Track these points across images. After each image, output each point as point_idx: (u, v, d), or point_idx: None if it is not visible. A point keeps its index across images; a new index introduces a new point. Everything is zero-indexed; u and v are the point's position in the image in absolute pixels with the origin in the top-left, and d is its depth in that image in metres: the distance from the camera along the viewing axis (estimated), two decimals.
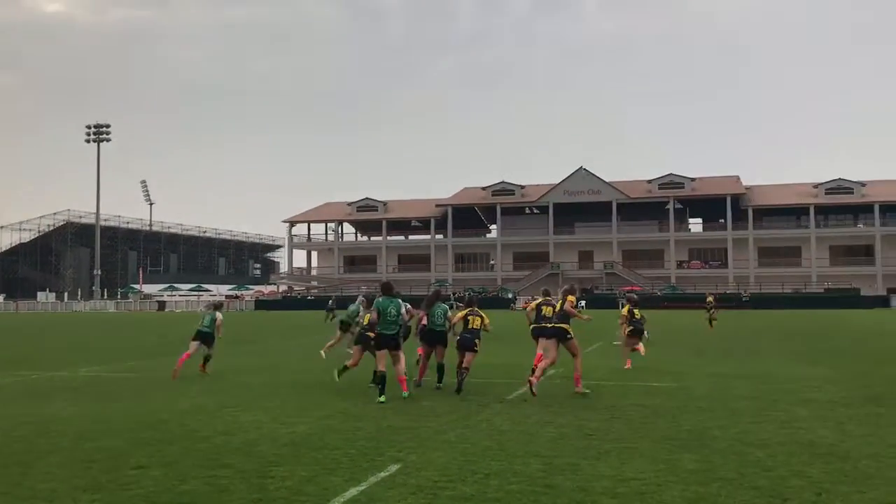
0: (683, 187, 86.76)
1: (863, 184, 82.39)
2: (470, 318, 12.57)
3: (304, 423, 9.44)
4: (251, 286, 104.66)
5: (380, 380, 11.06)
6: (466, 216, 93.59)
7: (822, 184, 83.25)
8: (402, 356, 11.41)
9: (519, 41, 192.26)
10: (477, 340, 12.40)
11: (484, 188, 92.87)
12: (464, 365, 12.15)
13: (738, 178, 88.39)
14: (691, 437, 8.40)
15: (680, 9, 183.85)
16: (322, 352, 17.20)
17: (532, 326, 13.24)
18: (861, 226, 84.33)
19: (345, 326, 17.74)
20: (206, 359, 15.01)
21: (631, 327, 16.26)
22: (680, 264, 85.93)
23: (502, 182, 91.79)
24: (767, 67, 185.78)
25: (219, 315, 15.17)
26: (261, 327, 37.17)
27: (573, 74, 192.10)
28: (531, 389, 11.25)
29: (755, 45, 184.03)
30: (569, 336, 11.74)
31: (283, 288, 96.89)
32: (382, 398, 10.87)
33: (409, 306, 11.89)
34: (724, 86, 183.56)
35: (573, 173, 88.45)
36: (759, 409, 10.19)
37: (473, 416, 9.79)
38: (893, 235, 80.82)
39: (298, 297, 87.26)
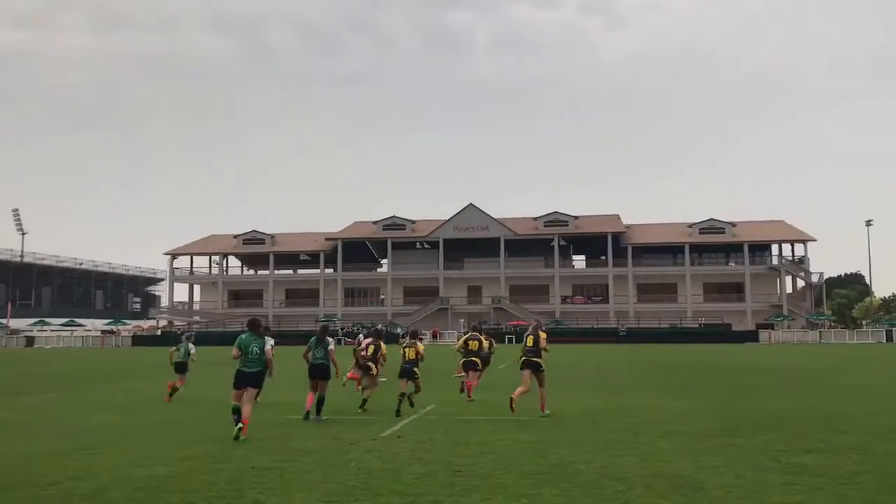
0: (567, 225, 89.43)
1: (733, 224, 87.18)
2: (406, 350, 14.27)
3: (163, 464, 9.02)
4: (129, 321, 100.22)
5: (236, 415, 10.85)
6: (357, 250, 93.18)
7: (696, 223, 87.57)
8: (256, 400, 11.51)
9: (409, 78, 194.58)
10: (416, 369, 14.13)
11: (375, 222, 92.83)
12: (403, 391, 13.80)
13: (618, 216, 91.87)
14: (556, 472, 8.51)
15: (566, 54, 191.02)
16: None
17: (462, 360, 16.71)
18: (732, 264, 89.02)
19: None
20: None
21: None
22: (564, 299, 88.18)
23: (393, 217, 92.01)
24: (647, 112, 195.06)
25: (191, 346, 16.57)
26: (135, 364, 35.61)
27: (463, 113, 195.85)
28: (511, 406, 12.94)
29: (636, 90, 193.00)
30: (541, 369, 13.33)
31: (163, 323, 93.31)
32: (242, 437, 10.70)
33: (272, 343, 11.72)
34: (606, 129, 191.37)
35: (463, 209, 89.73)
36: (624, 442, 10.47)
37: (343, 455, 9.62)
38: (761, 274, 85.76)
39: (179, 332, 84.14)
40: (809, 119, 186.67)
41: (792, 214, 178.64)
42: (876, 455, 9.38)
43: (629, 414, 13.72)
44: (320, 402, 12.83)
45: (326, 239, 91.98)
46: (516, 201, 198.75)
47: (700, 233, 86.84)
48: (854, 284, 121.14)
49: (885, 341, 68.48)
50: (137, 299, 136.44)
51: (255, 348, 11.04)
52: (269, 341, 11.50)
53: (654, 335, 71.19)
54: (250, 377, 11.04)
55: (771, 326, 76.06)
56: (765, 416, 13.45)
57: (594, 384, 20.86)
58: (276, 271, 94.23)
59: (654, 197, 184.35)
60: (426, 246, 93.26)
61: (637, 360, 34.01)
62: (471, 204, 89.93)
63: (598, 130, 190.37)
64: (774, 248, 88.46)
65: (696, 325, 78.87)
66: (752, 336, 70.28)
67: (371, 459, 9.33)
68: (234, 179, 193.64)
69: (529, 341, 13.42)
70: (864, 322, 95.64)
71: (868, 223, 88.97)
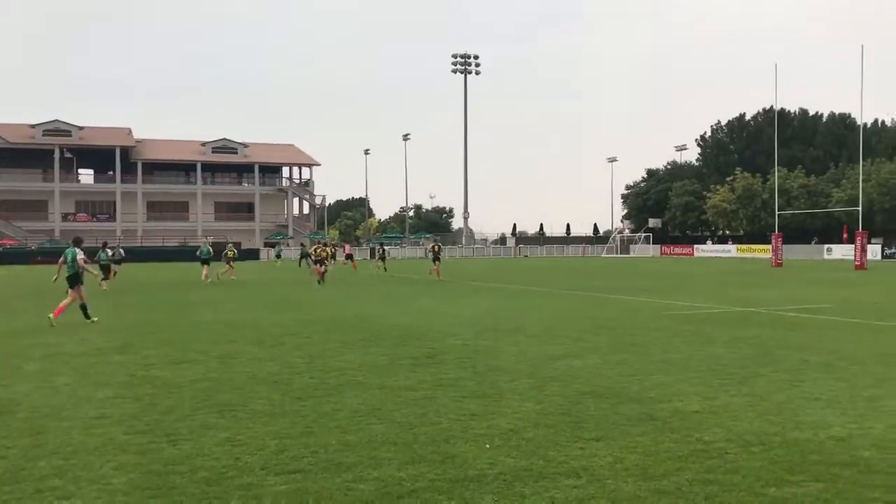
0: (71, 135, 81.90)
1: (245, 145, 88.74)
2: None
3: None
4: None
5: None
6: None
7: (209, 142, 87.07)
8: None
9: None
10: None
11: None
12: None
13: (129, 130, 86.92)
14: None
15: None
16: None
17: None
18: (245, 184, 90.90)
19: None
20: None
21: None
22: (66, 217, 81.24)
23: None
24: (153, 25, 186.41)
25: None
26: None
27: None
28: None
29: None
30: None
31: None
32: None
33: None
34: (108, 29, 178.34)
35: None
36: None
37: None
38: (271, 195, 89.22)
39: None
40: (325, 60, 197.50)
41: (302, 140, 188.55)
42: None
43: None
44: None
45: None
46: (11, 107, 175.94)
47: (213, 152, 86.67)
48: (360, 207, 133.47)
49: (369, 258, 76.77)
50: None
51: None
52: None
53: (160, 253, 69.95)
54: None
55: (273, 245, 79.66)
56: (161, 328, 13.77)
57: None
58: None
59: (171, 113, 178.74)
60: None
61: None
62: None
63: (110, 36, 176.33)
64: (285, 171, 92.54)
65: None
66: (254, 254, 73.22)
67: None
68: None
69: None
70: (364, 240, 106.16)
71: (366, 152, 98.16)
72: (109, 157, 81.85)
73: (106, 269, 27.57)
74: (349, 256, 45.94)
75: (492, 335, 12.63)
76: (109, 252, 29.03)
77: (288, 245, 77.58)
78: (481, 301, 20.16)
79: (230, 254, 33.67)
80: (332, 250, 35.52)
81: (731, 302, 18.94)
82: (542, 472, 5.16)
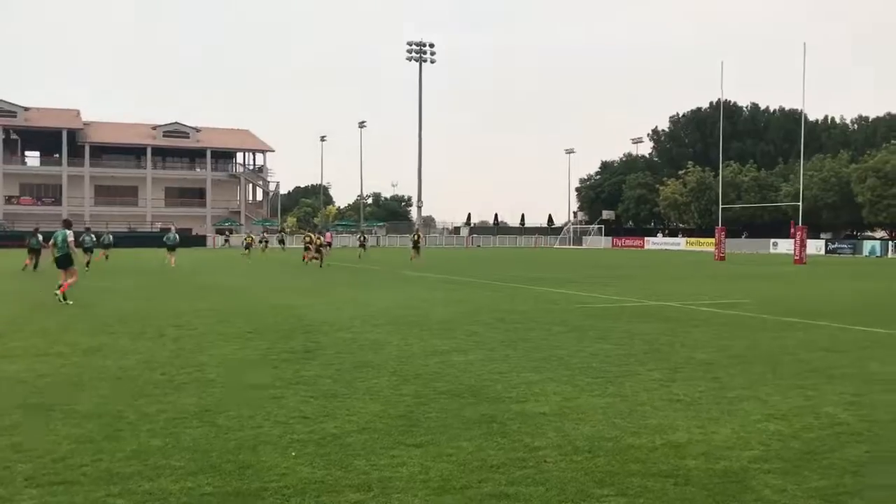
0: (16, 116, 79.68)
1: (198, 129, 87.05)
2: None
3: None
4: None
5: None
6: None
7: (160, 126, 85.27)
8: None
9: None
10: None
11: None
12: None
13: (77, 111, 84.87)
14: None
15: None
16: None
17: None
18: (198, 170, 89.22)
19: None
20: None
21: None
22: (10, 199, 79.10)
23: None
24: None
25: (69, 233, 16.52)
26: None
27: None
28: None
29: None
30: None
31: None
32: None
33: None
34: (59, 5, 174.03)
35: None
36: None
37: None
38: (223, 180, 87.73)
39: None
40: (278, 45, 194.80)
41: (257, 125, 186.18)
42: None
43: None
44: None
45: None
46: None
47: (164, 136, 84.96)
48: (318, 195, 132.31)
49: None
50: None
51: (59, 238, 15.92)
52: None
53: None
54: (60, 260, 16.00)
55: (223, 232, 78.29)
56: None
57: None
58: None
59: (121, 95, 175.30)
60: None
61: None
62: None
63: (60, 13, 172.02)
64: (239, 157, 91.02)
65: (157, 230, 77.58)
66: (202, 241, 71.90)
67: None
68: None
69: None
70: (320, 227, 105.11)
71: (322, 139, 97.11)
72: (56, 139, 79.81)
73: (88, 253, 30.00)
74: (328, 244, 45.17)
75: (388, 328, 12.19)
76: (92, 236, 31.83)
77: (260, 232, 76.47)
78: (403, 292, 19.74)
79: (248, 240, 41.69)
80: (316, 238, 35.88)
81: (652, 295, 18.74)
82: (333, 484, 4.72)
